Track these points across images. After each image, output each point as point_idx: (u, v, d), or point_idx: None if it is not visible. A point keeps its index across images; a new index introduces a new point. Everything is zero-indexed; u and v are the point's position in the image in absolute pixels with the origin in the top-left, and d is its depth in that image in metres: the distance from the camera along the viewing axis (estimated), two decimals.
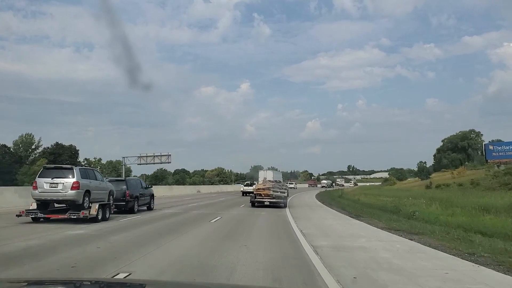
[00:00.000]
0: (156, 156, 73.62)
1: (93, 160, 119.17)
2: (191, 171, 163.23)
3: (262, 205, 24.53)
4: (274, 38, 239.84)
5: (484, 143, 72.42)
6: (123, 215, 17.67)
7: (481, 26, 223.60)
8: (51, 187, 14.35)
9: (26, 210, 14.61)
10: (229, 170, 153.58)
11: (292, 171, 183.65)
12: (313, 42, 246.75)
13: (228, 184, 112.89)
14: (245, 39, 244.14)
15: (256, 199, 24.68)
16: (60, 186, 14.28)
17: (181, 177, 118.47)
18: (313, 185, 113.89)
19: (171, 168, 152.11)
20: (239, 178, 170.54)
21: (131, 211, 19.01)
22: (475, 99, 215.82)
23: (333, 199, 39.39)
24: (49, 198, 14.59)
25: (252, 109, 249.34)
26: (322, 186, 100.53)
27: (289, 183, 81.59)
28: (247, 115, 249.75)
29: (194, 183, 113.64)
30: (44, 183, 14.44)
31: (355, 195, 49.40)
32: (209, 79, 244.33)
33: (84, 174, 15.25)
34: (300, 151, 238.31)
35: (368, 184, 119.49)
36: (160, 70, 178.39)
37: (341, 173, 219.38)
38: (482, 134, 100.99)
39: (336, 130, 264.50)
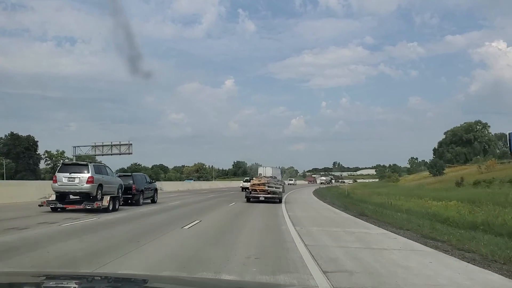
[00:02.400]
0: (115, 145, 58.01)
1: (55, 152, 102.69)
2: (171, 167, 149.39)
3: (256, 201, 22.82)
4: (259, 34, 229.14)
5: (509, 132, 58.61)
6: (130, 207, 18.03)
7: (463, 26, 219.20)
8: (69, 181, 15.31)
9: (47, 200, 15.49)
10: (210, 166, 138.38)
11: (277, 168, 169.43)
12: (298, 40, 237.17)
13: (209, 181, 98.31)
14: (229, 35, 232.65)
15: (251, 195, 23.43)
16: (77, 180, 15.25)
17: (155, 173, 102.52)
18: (312, 182, 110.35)
19: (148, 163, 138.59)
20: (221, 174, 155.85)
21: (136, 203, 19.44)
22: (457, 98, 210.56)
23: (353, 203, 24.62)
24: (67, 190, 15.55)
25: (236, 106, 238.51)
26: (321, 183, 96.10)
27: (289, 180, 79.68)
28: (231, 112, 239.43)
29: (169, 179, 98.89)
30: (63, 177, 15.38)
31: (371, 195, 34.85)
32: (193, 75, 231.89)
33: (98, 170, 16.08)
34: (285, 148, 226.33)
35: (367, 180, 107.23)
36: (143, 65, 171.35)
37: (326, 170, 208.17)
38: (489, 126, 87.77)
39: (320, 128, 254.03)
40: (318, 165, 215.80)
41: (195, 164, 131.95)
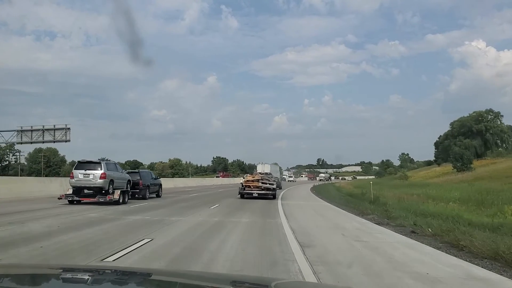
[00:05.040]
0: (47, 130, 42.04)
1: (4, 145, 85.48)
2: (148, 164, 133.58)
3: (250, 197, 20.55)
4: (242, 31, 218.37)
5: None
6: (137, 201, 18.13)
7: (444, 25, 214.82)
8: (84, 177, 16.10)
9: (65, 194, 16.23)
10: (187, 162, 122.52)
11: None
12: (281, 37, 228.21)
13: (185, 177, 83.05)
14: (212, 31, 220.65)
15: (245, 191, 21.61)
16: (91, 176, 16.05)
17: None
18: (312, 178, 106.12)
19: (122, 159, 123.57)
20: (199, 171, 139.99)
21: (143, 197, 19.60)
22: (437, 96, 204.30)
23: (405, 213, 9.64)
24: (82, 185, 16.32)
25: (219, 103, 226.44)
26: (320, 180, 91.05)
27: (288, 176, 78.74)
28: (213, 108, 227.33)
29: None
30: (79, 174, 16.21)
31: (423, 201, 20.50)
32: (175, 71, 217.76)
33: (109, 167, 16.75)
34: (268, 145, 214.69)
35: (366, 177, 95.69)
36: (123, 61, 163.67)
37: (310, 167, 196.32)
38: (502, 115, 74.65)
39: (303, 125, 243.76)
40: (301, 162, 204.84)
41: (170, 160, 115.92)
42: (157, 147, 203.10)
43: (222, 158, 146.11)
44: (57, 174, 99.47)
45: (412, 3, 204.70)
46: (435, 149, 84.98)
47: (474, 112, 75.28)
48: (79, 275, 2.25)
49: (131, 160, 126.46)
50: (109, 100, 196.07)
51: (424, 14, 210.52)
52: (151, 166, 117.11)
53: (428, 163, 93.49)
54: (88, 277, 2.19)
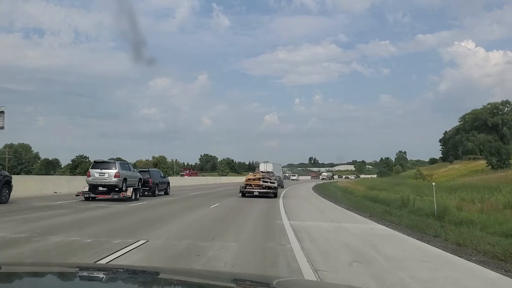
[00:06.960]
0: None
1: None
2: (133, 162, 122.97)
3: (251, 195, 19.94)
4: (233, 30, 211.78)
5: None
6: (147, 198, 18.94)
7: (434, 25, 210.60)
8: (100, 175, 16.94)
9: (82, 191, 17.17)
10: (173, 160, 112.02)
11: (251, 162, 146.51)
12: (272, 36, 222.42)
13: (170, 176, 72.25)
14: (203, 30, 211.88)
15: (246, 189, 21.37)
16: (106, 175, 16.88)
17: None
18: (315, 177, 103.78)
19: (105, 157, 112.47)
20: (183, 169, 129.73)
21: (153, 194, 20.47)
22: (427, 96, 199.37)
23: None
24: (98, 183, 17.15)
25: (210, 102, 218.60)
26: (322, 179, 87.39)
27: (291, 175, 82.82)
28: (204, 107, 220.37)
29: None
30: (95, 173, 17.04)
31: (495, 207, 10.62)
32: (166, 70, 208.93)
33: (123, 167, 17.70)
34: (259, 143, 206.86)
35: (370, 176, 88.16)
36: (113, 59, 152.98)
37: (302, 165, 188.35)
38: None
39: (293, 124, 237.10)
40: (293, 160, 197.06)
41: (154, 157, 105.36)
42: (147, 145, 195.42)
43: (211, 156, 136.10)
44: (29, 173, 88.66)
45: (403, 3, 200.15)
46: (442, 146, 75.85)
47: (488, 104, 66.33)
48: (80, 274, 2.22)
49: (114, 158, 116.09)
50: (98, 99, 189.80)
51: (414, 14, 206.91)
52: (134, 164, 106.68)
53: (432, 161, 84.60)
54: (89, 275, 2.17)
